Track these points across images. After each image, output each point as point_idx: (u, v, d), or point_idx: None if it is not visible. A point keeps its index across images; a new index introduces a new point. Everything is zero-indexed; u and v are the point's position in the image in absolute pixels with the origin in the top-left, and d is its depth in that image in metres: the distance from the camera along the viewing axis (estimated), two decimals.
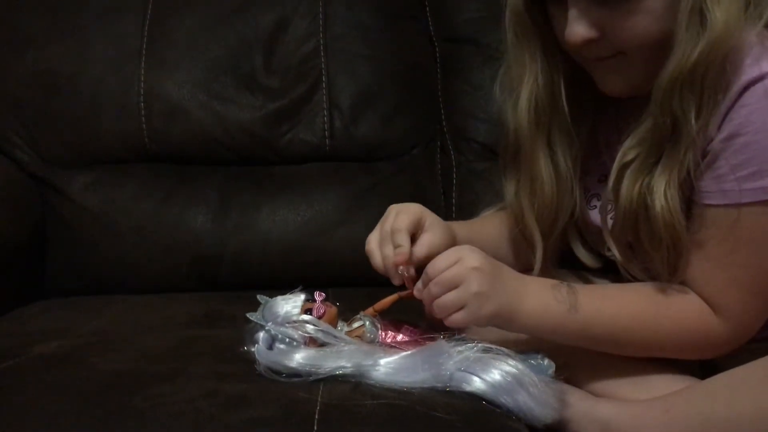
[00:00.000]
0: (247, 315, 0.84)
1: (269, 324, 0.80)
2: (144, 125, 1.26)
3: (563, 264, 1.00)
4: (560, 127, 0.90)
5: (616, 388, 0.84)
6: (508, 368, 0.73)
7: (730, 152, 0.77)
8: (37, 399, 0.74)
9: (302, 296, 0.84)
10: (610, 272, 0.94)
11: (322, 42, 1.31)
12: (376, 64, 1.32)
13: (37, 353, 0.86)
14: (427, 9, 1.38)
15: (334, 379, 0.75)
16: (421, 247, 0.86)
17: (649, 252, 0.82)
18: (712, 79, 0.76)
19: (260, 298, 0.87)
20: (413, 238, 0.86)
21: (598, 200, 0.93)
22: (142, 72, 1.26)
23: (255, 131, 1.27)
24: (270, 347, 0.78)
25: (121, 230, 1.23)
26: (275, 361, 0.76)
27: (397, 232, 0.85)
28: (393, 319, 0.85)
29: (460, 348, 0.75)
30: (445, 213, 1.28)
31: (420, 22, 1.37)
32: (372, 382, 0.74)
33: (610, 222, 0.88)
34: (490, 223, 1.04)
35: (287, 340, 0.78)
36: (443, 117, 1.34)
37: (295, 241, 1.24)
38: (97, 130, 1.26)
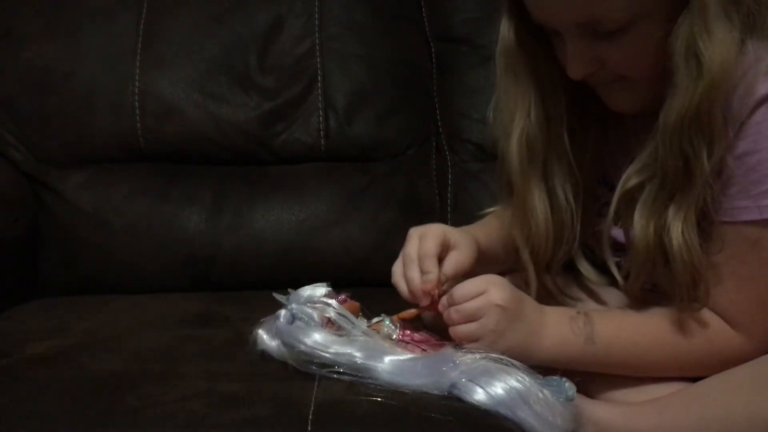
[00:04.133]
0: (274, 294, 0.85)
1: (291, 304, 0.81)
2: (138, 124, 1.25)
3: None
4: (558, 157, 0.88)
5: (610, 390, 0.84)
6: (513, 383, 0.72)
7: (745, 170, 0.76)
8: (28, 399, 0.74)
9: (327, 288, 0.85)
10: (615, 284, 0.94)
11: (317, 42, 1.31)
12: (372, 64, 1.32)
13: (29, 353, 0.86)
14: (423, 9, 1.38)
15: (328, 379, 0.75)
16: (449, 267, 0.84)
17: (667, 289, 0.82)
18: (720, 114, 0.75)
19: (276, 295, 0.87)
20: (440, 258, 0.85)
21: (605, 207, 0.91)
22: (137, 71, 1.26)
23: (250, 131, 1.27)
24: (290, 323, 0.79)
25: (115, 229, 1.23)
26: (293, 336, 0.77)
27: (424, 258, 0.83)
28: (415, 325, 0.85)
29: (467, 358, 0.75)
30: (440, 213, 1.28)
31: (416, 22, 1.37)
32: (370, 380, 0.74)
33: (621, 268, 0.88)
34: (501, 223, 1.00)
35: (306, 318, 0.79)
36: (438, 117, 1.34)
37: (290, 241, 1.23)
38: (91, 129, 1.26)
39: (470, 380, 0.73)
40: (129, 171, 1.26)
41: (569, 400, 0.74)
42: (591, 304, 0.95)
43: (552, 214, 0.89)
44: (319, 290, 0.84)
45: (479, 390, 0.72)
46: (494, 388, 0.72)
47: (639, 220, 0.80)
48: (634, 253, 0.82)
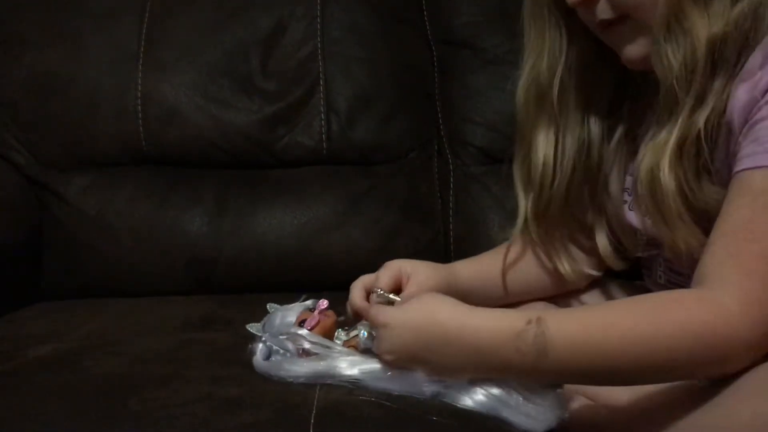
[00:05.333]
0: (247, 327, 0.85)
1: (266, 335, 0.81)
2: (141, 128, 1.26)
3: None
4: (568, 108, 0.89)
5: (609, 393, 0.84)
6: (492, 389, 0.72)
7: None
8: (31, 403, 0.74)
9: (304, 305, 0.85)
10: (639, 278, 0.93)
11: (319, 45, 1.31)
12: (374, 68, 1.32)
13: (32, 356, 0.86)
14: (425, 12, 1.38)
15: (329, 383, 0.75)
16: (411, 288, 0.87)
17: (667, 233, 0.78)
18: (731, 52, 0.73)
19: (269, 307, 0.88)
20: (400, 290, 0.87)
21: (629, 195, 0.90)
22: (139, 75, 1.26)
23: (252, 134, 1.27)
24: (267, 358, 0.80)
25: (118, 233, 1.23)
26: (269, 372, 0.77)
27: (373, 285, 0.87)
28: None
29: None
30: (442, 217, 1.28)
31: (417, 26, 1.37)
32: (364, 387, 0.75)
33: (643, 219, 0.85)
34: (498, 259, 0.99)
35: (282, 351, 0.79)
36: (440, 121, 1.34)
37: (291, 244, 1.24)
38: (94, 133, 1.26)
39: (450, 388, 0.73)
40: (131, 174, 1.27)
41: (562, 418, 0.73)
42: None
43: (554, 159, 0.89)
44: (289, 317, 0.83)
45: (462, 396, 0.73)
46: (475, 394, 0.72)
47: (644, 160, 0.79)
48: (636, 193, 0.81)
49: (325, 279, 1.20)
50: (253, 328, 0.85)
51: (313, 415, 0.69)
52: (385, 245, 1.23)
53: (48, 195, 1.26)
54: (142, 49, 1.27)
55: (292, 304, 0.86)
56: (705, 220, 0.75)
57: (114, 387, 0.77)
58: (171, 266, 1.22)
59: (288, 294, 1.17)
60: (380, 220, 1.25)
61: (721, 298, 0.67)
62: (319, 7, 1.32)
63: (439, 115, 1.35)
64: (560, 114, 0.90)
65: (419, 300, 0.75)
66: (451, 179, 1.30)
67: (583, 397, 0.82)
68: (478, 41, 1.33)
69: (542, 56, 0.89)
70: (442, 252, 1.25)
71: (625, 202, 0.91)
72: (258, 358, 0.79)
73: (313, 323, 0.81)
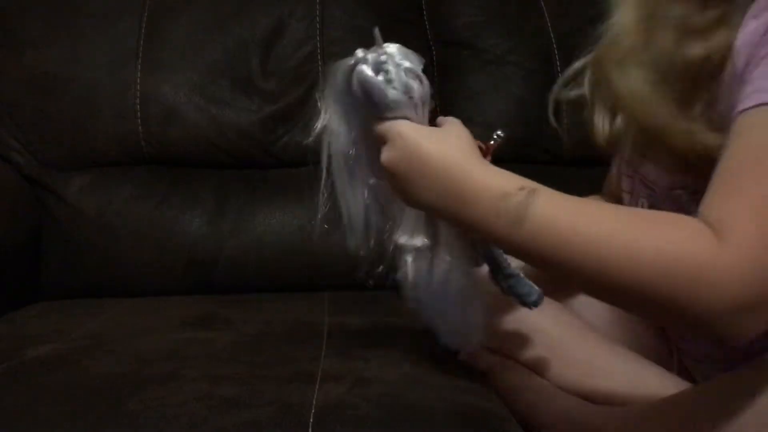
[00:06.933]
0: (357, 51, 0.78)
1: (391, 64, 0.75)
2: (140, 128, 1.26)
3: None
4: None
5: (606, 393, 0.83)
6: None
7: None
8: (29, 403, 0.74)
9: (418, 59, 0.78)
10: None
11: (318, 45, 1.31)
12: None
13: (31, 356, 0.86)
14: (425, 13, 1.38)
15: (329, 381, 0.75)
16: None
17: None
18: None
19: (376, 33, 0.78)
20: None
21: None
22: (139, 75, 1.26)
23: (251, 134, 1.27)
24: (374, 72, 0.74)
25: (117, 233, 1.23)
26: (373, 87, 0.74)
27: None
28: None
29: None
30: None
31: (417, 26, 1.38)
32: None
33: None
34: None
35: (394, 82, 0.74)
36: None
37: (291, 244, 1.24)
38: (94, 133, 1.26)
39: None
40: (131, 175, 1.27)
41: (534, 305, 0.76)
42: None
43: None
44: (408, 61, 0.76)
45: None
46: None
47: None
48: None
49: (325, 279, 1.21)
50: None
51: (312, 414, 0.69)
52: None
53: (47, 195, 1.26)
54: (141, 49, 1.27)
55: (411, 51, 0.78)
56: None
57: (113, 387, 0.76)
58: (170, 266, 1.22)
59: (288, 294, 1.18)
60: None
61: (720, 247, 0.59)
62: (318, 8, 1.32)
63: (439, 116, 1.34)
64: None
65: (444, 129, 0.75)
66: None
67: (576, 397, 0.82)
68: (478, 41, 1.34)
69: None
70: None
71: None
72: (367, 67, 0.74)
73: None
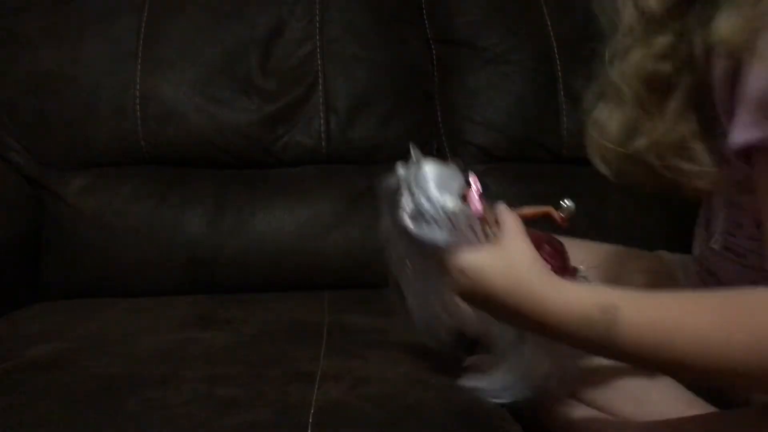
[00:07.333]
0: (398, 167, 0.78)
1: (420, 195, 0.74)
2: (139, 128, 1.25)
3: None
4: None
5: (620, 406, 0.82)
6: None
7: None
8: (29, 403, 0.74)
9: (456, 169, 0.77)
10: None
11: (318, 45, 1.31)
12: (372, 67, 1.32)
13: (31, 357, 0.86)
14: (424, 12, 1.38)
15: (329, 381, 0.75)
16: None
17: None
18: None
19: (413, 148, 0.79)
20: None
21: None
22: (138, 74, 1.26)
23: (251, 134, 1.27)
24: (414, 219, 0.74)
25: (117, 233, 1.23)
26: (411, 231, 0.73)
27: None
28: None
29: None
30: None
31: (416, 25, 1.37)
32: None
33: None
34: None
35: (428, 217, 0.73)
36: (440, 120, 1.34)
37: (291, 243, 1.23)
38: (93, 133, 1.26)
39: None
40: (131, 174, 1.26)
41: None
42: None
43: None
44: (450, 182, 0.74)
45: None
46: None
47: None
48: None
49: (325, 278, 1.21)
50: (401, 171, 0.77)
51: (311, 414, 0.69)
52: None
53: (47, 195, 1.26)
54: (140, 49, 1.27)
55: (447, 166, 0.77)
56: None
57: (113, 387, 0.76)
58: (170, 266, 1.22)
59: (287, 293, 1.18)
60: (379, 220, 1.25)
61: None
62: (317, 7, 1.32)
63: (439, 115, 1.35)
64: None
65: (504, 247, 0.72)
66: None
67: (589, 407, 0.82)
68: (478, 40, 1.34)
69: None
70: None
71: None
72: (406, 217, 0.73)
73: (478, 208, 0.74)
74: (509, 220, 0.74)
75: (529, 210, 0.78)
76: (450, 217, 0.72)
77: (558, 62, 1.32)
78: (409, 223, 0.73)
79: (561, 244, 0.78)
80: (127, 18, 1.28)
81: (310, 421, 0.68)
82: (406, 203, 0.74)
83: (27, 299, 1.17)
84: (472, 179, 0.76)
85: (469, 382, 0.79)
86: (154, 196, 1.25)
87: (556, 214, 0.79)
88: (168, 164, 1.28)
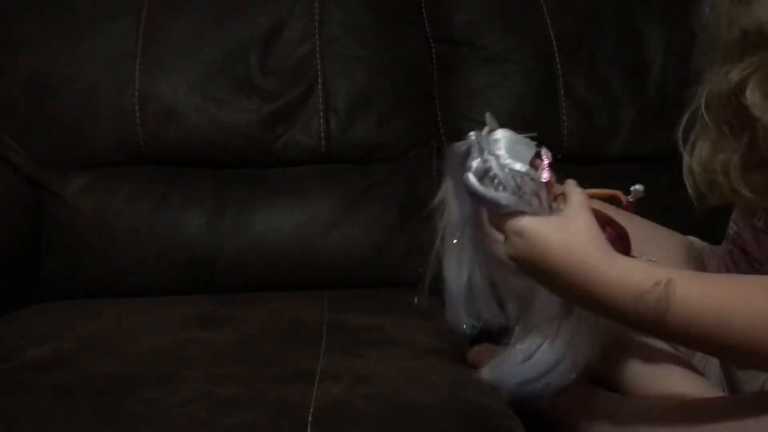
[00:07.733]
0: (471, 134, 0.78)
1: (492, 159, 0.74)
2: (139, 128, 1.25)
3: None
4: None
5: (636, 386, 0.82)
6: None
7: None
8: (28, 403, 0.74)
9: (531, 142, 0.77)
10: None
11: (317, 44, 1.30)
12: (372, 67, 1.31)
13: (30, 357, 0.86)
14: (424, 11, 1.38)
15: (328, 380, 0.75)
16: None
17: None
18: None
19: (488, 117, 0.80)
20: None
21: None
22: (137, 74, 1.26)
23: (250, 133, 1.27)
24: (480, 178, 0.73)
25: (116, 233, 1.23)
26: (476, 193, 0.73)
27: None
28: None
29: None
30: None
31: (416, 24, 1.37)
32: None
33: None
34: None
35: (497, 181, 0.72)
36: (439, 119, 1.34)
37: (291, 243, 1.23)
38: (92, 133, 1.26)
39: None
40: (130, 174, 1.26)
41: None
42: None
43: None
44: (522, 152, 0.74)
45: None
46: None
47: None
48: None
49: (325, 278, 1.21)
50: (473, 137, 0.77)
51: (310, 413, 0.69)
52: (384, 244, 1.23)
53: (46, 195, 1.25)
54: (139, 49, 1.27)
55: (519, 135, 0.77)
56: None
57: (112, 387, 0.76)
58: (170, 266, 1.22)
59: (287, 292, 1.18)
60: (379, 219, 1.25)
61: None
62: (317, 6, 1.32)
63: (439, 114, 1.35)
64: None
65: (567, 218, 0.72)
66: None
67: (604, 390, 0.82)
68: (477, 39, 1.34)
69: None
70: None
71: None
72: (471, 176, 0.73)
73: (547, 177, 0.74)
74: (576, 195, 0.74)
75: (597, 190, 0.78)
76: (516, 180, 0.72)
77: (558, 62, 1.32)
78: (474, 182, 0.73)
79: (625, 230, 0.78)
80: (126, 18, 1.28)
81: (310, 420, 0.68)
82: (474, 163, 0.74)
83: (27, 299, 1.17)
84: (545, 152, 0.76)
85: (490, 374, 0.79)
86: (153, 196, 1.25)
87: (624, 197, 0.79)
88: (168, 164, 1.28)
